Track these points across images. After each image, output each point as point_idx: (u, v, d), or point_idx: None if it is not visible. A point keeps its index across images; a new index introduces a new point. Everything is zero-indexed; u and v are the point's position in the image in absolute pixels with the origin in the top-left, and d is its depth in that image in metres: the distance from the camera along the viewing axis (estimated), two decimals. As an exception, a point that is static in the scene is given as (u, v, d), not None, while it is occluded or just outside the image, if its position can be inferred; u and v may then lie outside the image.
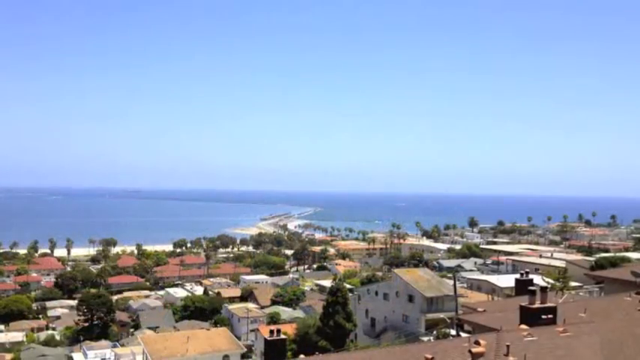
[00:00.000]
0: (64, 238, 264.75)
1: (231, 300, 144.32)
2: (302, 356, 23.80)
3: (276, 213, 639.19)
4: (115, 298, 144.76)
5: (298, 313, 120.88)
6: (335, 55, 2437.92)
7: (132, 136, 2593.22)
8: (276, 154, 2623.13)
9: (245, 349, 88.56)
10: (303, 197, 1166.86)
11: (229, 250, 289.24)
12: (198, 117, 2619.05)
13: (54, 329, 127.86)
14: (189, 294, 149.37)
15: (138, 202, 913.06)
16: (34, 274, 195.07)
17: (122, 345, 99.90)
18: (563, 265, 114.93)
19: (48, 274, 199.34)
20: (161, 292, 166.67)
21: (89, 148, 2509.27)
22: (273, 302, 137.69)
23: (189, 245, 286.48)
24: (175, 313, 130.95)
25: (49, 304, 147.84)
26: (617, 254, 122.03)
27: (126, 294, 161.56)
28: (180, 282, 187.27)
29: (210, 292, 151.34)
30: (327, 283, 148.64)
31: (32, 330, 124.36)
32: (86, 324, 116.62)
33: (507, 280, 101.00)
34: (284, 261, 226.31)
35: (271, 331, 39.11)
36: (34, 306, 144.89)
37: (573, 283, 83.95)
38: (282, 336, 38.85)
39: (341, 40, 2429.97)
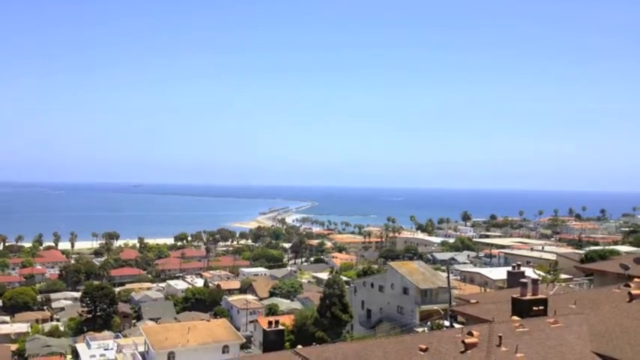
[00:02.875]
0: (67, 231, 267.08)
1: (231, 292, 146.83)
2: (299, 347, 25.66)
3: (275, 207, 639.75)
4: (117, 290, 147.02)
5: (296, 305, 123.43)
6: (328, 51, 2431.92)
7: (132, 132, 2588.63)
8: (273, 149, 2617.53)
9: (244, 340, 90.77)
10: (300, 192, 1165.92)
11: (229, 243, 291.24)
12: (197, 114, 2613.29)
13: (58, 320, 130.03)
14: (190, 286, 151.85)
15: (139, 197, 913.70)
16: (39, 267, 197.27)
17: (124, 336, 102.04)
18: (554, 258, 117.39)
19: (52, 267, 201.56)
20: (162, 285, 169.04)
21: (92, 144, 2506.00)
22: (272, 294, 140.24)
23: (189, 239, 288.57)
24: (176, 304, 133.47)
25: (53, 295, 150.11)
26: (607, 247, 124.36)
27: (128, 286, 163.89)
28: (181, 274, 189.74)
29: (210, 285, 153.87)
30: (324, 275, 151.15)
31: (37, 321, 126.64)
32: (89, 315, 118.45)
33: (499, 273, 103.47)
34: (282, 254, 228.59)
35: (270, 323, 41.27)
36: (39, 298, 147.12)
37: (564, 276, 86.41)
38: (280, 327, 40.92)
39: (334, 37, 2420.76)
